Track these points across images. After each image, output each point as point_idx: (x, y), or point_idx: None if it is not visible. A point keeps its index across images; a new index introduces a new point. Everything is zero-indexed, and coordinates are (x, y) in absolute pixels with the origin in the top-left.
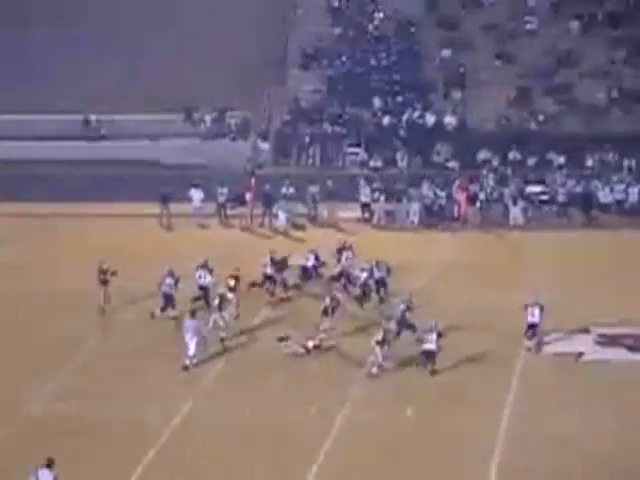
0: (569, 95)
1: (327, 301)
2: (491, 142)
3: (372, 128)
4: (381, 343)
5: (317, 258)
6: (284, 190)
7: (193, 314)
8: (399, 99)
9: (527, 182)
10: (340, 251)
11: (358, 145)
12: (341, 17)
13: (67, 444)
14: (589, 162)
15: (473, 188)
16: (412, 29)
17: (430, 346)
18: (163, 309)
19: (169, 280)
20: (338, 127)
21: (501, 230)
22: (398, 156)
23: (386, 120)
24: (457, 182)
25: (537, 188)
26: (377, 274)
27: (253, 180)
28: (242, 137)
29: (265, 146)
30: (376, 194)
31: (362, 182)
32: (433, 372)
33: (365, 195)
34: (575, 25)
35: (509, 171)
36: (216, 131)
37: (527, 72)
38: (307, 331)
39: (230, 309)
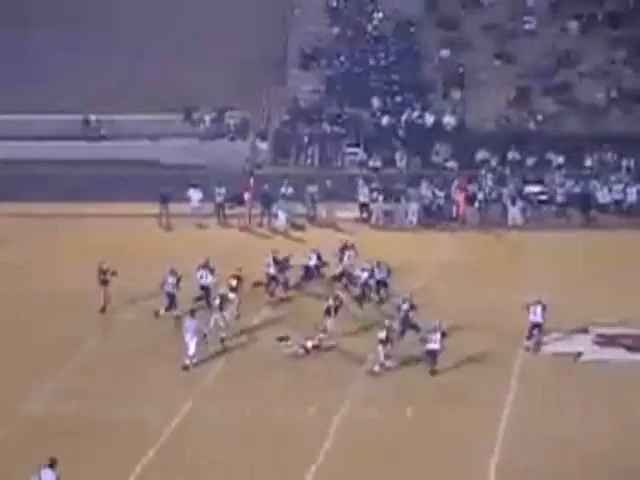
0: (568, 95)
1: (330, 301)
2: (490, 142)
3: (371, 128)
4: (384, 342)
5: (319, 258)
6: (283, 190)
7: (193, 314)
8: (398, 99)
9: (526, 182)
10: (343, 250)
11: (357, 145)
12: (340, 17)
13: (67, 444)
14: (588, 162)
15: (472, 188)
16: (411, 29)
17: (434, 346)
18: (168, 308)
19: (171, 279)
20: (337, 127)
21: (500, 230)
22: (397, 156)
23: (385, 120)
24: (456, 182)
25: (536, 188)
26: (378, 274)
27: (252, 180)
28: (241, 137)
29: (264, 146)
30: (374, 194)
31: (361, 182)
32: (433, 372)
33: (363, 195)
34: (574, 25)
35: (508, 171)
36: (215, 131)
37: (526, 72)
38: (307, 331)
39: (231, 309)
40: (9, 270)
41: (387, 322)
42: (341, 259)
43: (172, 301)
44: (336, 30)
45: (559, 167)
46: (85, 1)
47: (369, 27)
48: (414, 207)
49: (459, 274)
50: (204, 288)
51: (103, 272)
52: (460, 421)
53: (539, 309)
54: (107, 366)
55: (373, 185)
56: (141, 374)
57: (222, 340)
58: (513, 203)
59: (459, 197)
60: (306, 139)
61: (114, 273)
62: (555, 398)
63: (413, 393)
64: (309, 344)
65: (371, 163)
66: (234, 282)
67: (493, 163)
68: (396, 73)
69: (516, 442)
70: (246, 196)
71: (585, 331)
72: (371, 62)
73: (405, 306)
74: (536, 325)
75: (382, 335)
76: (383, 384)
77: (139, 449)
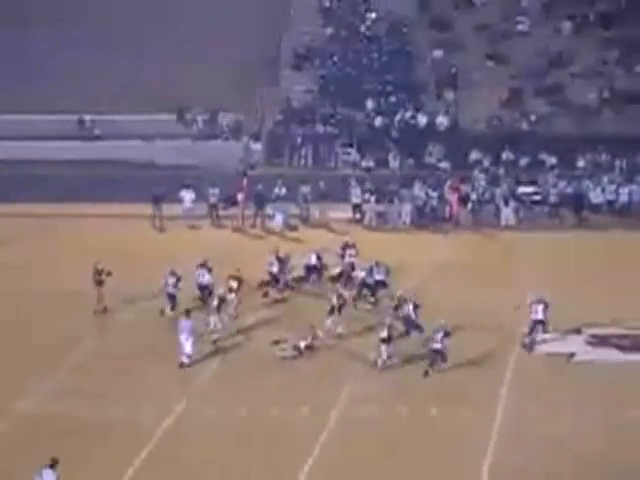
0: (561, 96)
1: (334, 300)
2: (483, 143)
3: (364, 129)
4: (386, 341)
5: (319, 257)
6: (277, 191)
7: (188, 314)
8: (391, 100)
9: (519, 183)
10: (344, 249)
11: (350, 145)
12: (333, 17)
13: (61, 443)
14: (581, 163)
15: (465, 189)
16: (404, 30)
17: (436, 345)
18: (173, 308)
19: (172, 280)
20: (330, 127)
21: (493, 230)
22: (390, 157)
23: (378, 121)
24: (449, 183)
25: (529, 189)
26: (377, 275)
27: (245, 181)
28: (234, 138)
29: (257, 147)
30: (367, 195)
31: (353, 183)
32: (426, 373)
33: (356, 196)
34: (567, 26)
35: (501, 172)
36: (208, 132)
37: (519, 73)
38: (303, 332)
39: (229, 310)
40: (8, 270)
41: (388, 321)
42: (342, 256)
43: (174, 301)
44: (329, 30)
45: (552, 168)
46: (85, 1)
47: (362, 27)
48: (407, 208)
49: (452, 274)
50: (202, 287)
51: (98, 272)
52: (454, 420)
53: (541, 307)
54: (103, 366)
55: (366, 186)
56: (137, 374)
57: (215, 341)
58: (506, 203)
59: (452, 198)
60: (299, 140)
61: (109, 273)
62: (548, 398)
63: (408, 392)
64: (302, 344)
65: (364, 164)
66: (234, 283)
67: (486, 164)
68: (389, 74)
69: (510, 441)
70: (239, 197)
71: (578, 331)
72: (364, 63)
73: (408, 306)
74: (537, 322)
75: (384, 334)
76: (378, 383)
77: (133, 449)
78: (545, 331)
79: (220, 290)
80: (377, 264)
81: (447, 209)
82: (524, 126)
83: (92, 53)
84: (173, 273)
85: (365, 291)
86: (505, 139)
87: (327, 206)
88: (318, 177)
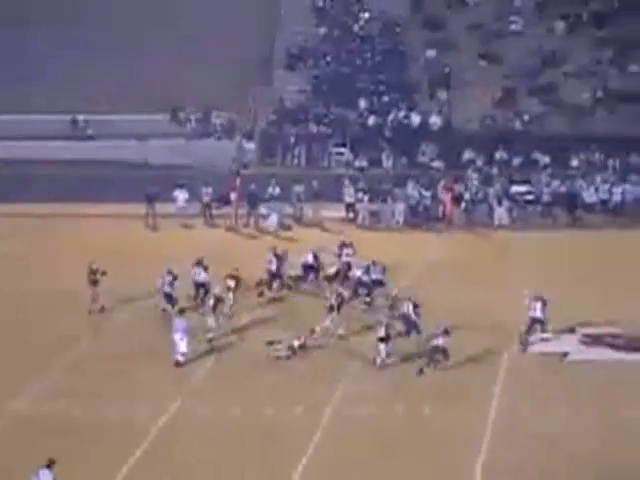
0: (554, 95)
1: (332, 298)
2: (476, 142)
3: (357, 128)
4: (384, 339)
5: (316, 257)
6: (270, 190)
7: (182, 313)
8: (384, 99)
9: (512, 182)
10: (341, 247)
11: (343, 145)
12: (326, 17)
13: (56, 443)
14: (574, 162)
15: (458, 188)
16: (397, 29)
17: (437, 342)
18: (173, 306)
19: (168, 278)
20: (323, 127)
21: (486, 230)
22: (383, 156)
23: (371, 120)
24: (442, 182)
25: (522, 188)
26: (373, 274)
27: (238, 180)
28: (227, 137)
29: (250, 146)
30: (360, 194)
31: (346, 182)
32: (420, 371)
33: (349, 195)
34: (560, 25)
35: (494, 171)
36: (201, 131)
37: (512, 72)
38: (298, 331)
39: (224, 309)
40: (8, 270)
41: (385, 320)
42: (339, 256)
43: (171, 299)
44: (322, 30)
45: (545, 167)
46: (85, 1)
47: (355, 27)
48: (400, 207)
49: (446, 274)
50: (198, 285)
51: (93, 272)
52: (448, 418)
53: (539, 305)
54: (99, 365)
55: (359, 185)
56: (132, 374)
57: (210, 340)
58: (499, 203)
59: (445, 197)
60: (292, 139)
61: (104, 273)
62: (542, 397)
63: (403, 390)
64: (296, 343)
65: (357, 163)
66: (232, 283)
67: (479, 163)
68: (382, 73)
69: (503, 440)
70: (232, 196)
71: (572, 331)
72: (357, 62)
73: (407, 306)
74: (536, 321)
75: (381, 333)
76: (374, 382)
77: (127, 448)
78: (544, 330)
79: (216, 289)
80: (374, 263)
81: (440, 208)
82: (517, 125)
83: (92, 53)
84: (170, 272)
85: (361, 290)
86: (498, 138)
87: (320, 205)
88: (311, 176)
